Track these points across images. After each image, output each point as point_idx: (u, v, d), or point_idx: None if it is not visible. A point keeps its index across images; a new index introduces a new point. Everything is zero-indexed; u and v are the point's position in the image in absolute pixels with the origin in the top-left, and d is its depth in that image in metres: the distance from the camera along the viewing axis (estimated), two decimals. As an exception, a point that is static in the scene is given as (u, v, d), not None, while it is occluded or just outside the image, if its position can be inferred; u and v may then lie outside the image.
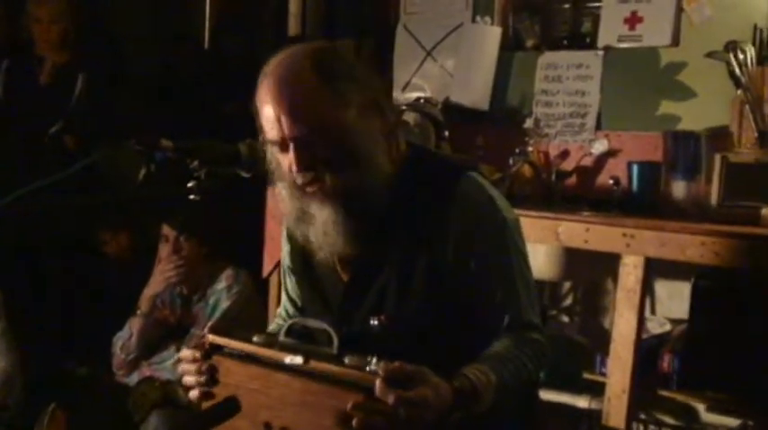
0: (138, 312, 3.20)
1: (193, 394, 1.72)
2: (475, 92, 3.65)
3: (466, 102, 3.67)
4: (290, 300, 2.04)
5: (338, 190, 1.65)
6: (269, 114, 1.63)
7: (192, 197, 1.69)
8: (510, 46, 3.69)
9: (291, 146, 1.63)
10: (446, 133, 3.43)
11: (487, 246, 1.71)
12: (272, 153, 1.70)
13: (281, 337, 1.67)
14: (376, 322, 1.73)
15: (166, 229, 3.25)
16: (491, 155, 3.44)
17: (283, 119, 1.61)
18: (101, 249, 3.86)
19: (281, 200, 1.76)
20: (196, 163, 1.67)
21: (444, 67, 3.80)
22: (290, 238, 1.90)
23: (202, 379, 1.69)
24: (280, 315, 2.10)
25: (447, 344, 1.70)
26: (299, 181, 1.65)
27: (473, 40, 3.70)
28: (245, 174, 1.76)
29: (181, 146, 1.67)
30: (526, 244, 1.81)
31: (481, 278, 1.71)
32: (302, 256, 1.87)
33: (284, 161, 1.67)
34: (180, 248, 3.24)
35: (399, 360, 1.45)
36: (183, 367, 1.73)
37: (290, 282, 2.02)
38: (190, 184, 1.69)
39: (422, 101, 3.59)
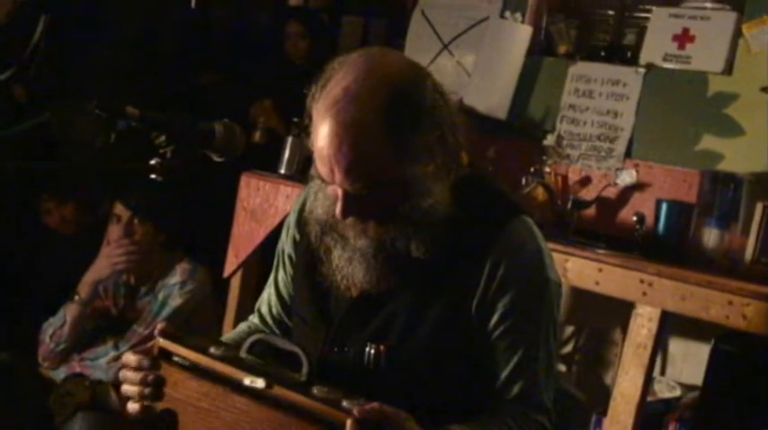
0: (76, 298, 3.16)
1: (132, 407, 1.70)
2: (493, 97, 3.67)
3: (481, 107, 3.70)
4: (278, 295, 2.03)
5: (382, 238, 1.67)
6: (322, 155, 1.62)
7: (152, 176, 1.67)
8: (539, 50, 3.72)
9: (341, 194, 1.64)
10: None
11: (520, 303, 1.69)
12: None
13: (243, 353, 1.65)
14: (373, 350, 1.71)
15: (119, 208, 3.22)
16: (502, 170, 3.48)
17: (337, 172, 1.61)
18: (42, 220, 3.83)
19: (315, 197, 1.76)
20: (163, 138, 1.66)
21: (461, 63, 3.84)
22: (303, 226, 1.88)
23: (146, 391, 1.68)
24: (258, 310, 2.10)
25: (442, 395, 1.69)
26: (340, 223, 1.69)
27: (499, 37, 3.72)
28: (216, 158, 1.74)
29: (148, 116, 1.65)
30: (561, 311, 1.80)
31: (501, 337, 1.70)
32: (312, 254, 1.85)
33: (328, 190, 1.69)
34: (132, 232, 3.21)
35: (386, 397, 1.45)
36: (126, 374, 1.71)
37: (283, 275, 2.01)
38: (152, 162, 1.66)
39: None
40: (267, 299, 2.06)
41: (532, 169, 3.41)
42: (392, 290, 1.73)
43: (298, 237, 1.92)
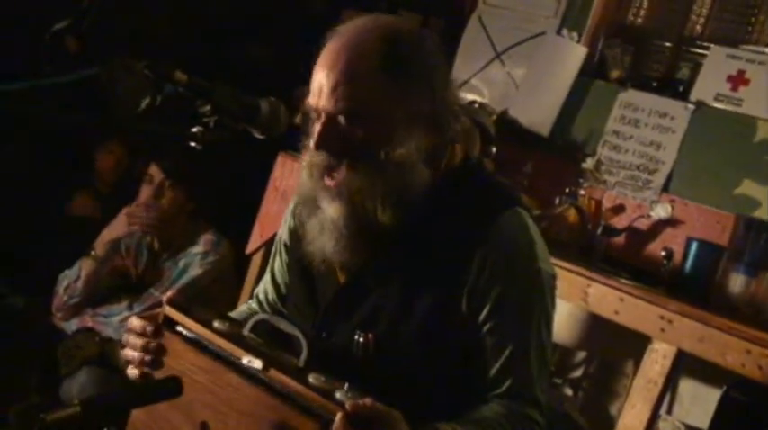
0: (92, 254, 3.17)
1: (132, 372, 1.71)
2: (538, 112, 3.67)
3: (525, 120, 3.71)
4: (274, 282, 2.05)
5: (351, 189, 1.67)
6: (317, 78, 1.67)
7: (192, 144, 1.67)
8: (591, 71, 3.71)
9: (322, 118, 1.67)
10: (493, 149, 3.44)
11: (511, 295, 1.68)
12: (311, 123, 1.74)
13: (246, 331, 1.64)
14: (361, 339, 1.71)
15: (154, 169, 3.23)
16: (537, 187, 3.53)
17: (325, 87, 1.64)
18: (91, 165, 3.89)
19: (300, 173, 1.78)
20: (208, 107, 1.66)
21: (512, 75, 3.84)
22: (298, 214, 1.90)
23: (147, 358, 1.68)
24: (256, 295, 2.11)
25: (431, 387, 1.69)
26: (316, 160, 1.69)
27: (553, 53, 3.72)
28: (258, 135, 1.74)
29: (196, 84, 1.65)
30: (556, 305, 1.78)
31: (492, 330, 1.69)
32: (301, 239, 1.86)
33: (311, 131, 1.72)
34: (161, 194, 3.22)
35: (374, 389, 1.44)
36: (129, 338, 1.71)
37: (279, 262, 2.03)
38: (194, 130, 1.66)
39: (476, 105, 3.60)
40: (264, 286, 2.09)
41: (567, 190, 3.41)
42: (379, 278, 1.73)
43: (293, 224, 1.95)
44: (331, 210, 1.68)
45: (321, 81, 1.65)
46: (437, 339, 1.68)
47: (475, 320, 1.68)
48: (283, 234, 2.00)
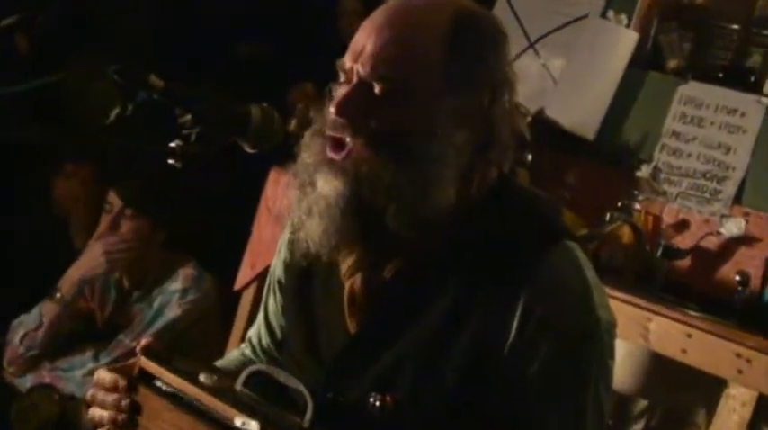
0: (57, 296, 3.18)
1: None
2: (581, 111, 3.66)
3: (566, 121, 3.69)
4: (268, 326, 2.03)
5: (361, 169, 1.63)
6: (360, 37, 1.67)
7: (171, 161, 1.66)
8: (644, 61, 3.69)
9: (352, 83, 1.66)
10: (528, 157, 3.43)
11: (563, 350, 1.64)
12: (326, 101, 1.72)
13: (239, 385, 1.63)
14: (377, 402, 1.67)
15: (112, 196, 3.26)
16: (582, 201, 3.49)
17: (369, 47, 1.64)
18: (47, 191, 3.90)
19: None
20: (189, 117, 1.65)
21: (548, 67, 3.82)
22: (293, 244, 1.84)
23: (119, 418, 1.68)
24: (249, 340, 2.11)
25: None
26: (328, 127, 1.66)
27: (597, 40, 3.71)
28: (248, 148, 1.73)
29: (174, 90, 1.65)
30: (615, 358, 1.74)
31: (540, 394, 1.64)
32: (303, 276, 1.85)
33: (337, 91, 1.71)
34: (118, 225, 3.25)
35: None
36: (97, 396, 1.71)
37: (273, 303, 2.01)
38: (173, 144, 1.65)
39: None
40: (257, 328, 2.08)
41: (619, 204, 3.38)
42: (397, 326, 1.70)
43: (287, 256, 1.93)
44: (327, 187, 1.64)
45: (364, 40, 1.65)
46: (471, 400, 1.65)
47: (519, 379, 1.64)
48: (277, 268, 1.98)
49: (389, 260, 1.72)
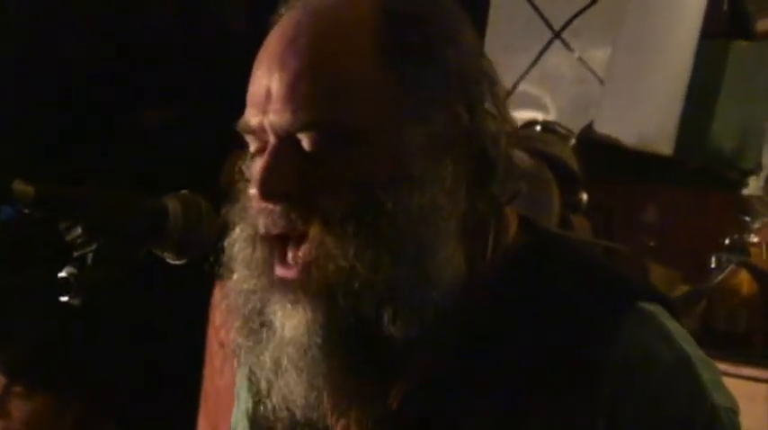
0: None
1: None
2: (647, 116, 3.38)
3: (627, 136, 3.42)
4: None
5: (329, 275, 1.38)
6: (259, 78, 1.43)
7: (66, 298, 1.43)
8: (720, 28, 3.40)
9: (270, 146, 1.41)
10: (584, 196, 3.21)
11: None
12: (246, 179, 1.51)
13: None
14: None
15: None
16: (672, 245, 3.37)
17: (276, 88, 1.39)
18: None
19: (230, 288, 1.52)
20: (79, 232, 1.44)
21: (585, 61, 3.62)
22: (256, 387, 1.66)
23: None
24: None
25: None
26: (263, 227, 1.43)
27: (649, 11, 3.41)
28: (171, 259, 1.53)
29: (51, 196, 1.44)
30: None
31: None
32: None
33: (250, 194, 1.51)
34: (7, 412, 3.07)
35: None
36: None
37: None
38: (62, 274, 1.43)
39: (538, 127, 3.37)
40: None
41: (727, 240, 3.11)
42: None
43: (250, 407, 1.73)
44: (291, 325, 1.41)
45: (267, 80, 1.40)
46: None
47: None
48: (238, 424, 1.76)
49: (391, 383, 1.46)
